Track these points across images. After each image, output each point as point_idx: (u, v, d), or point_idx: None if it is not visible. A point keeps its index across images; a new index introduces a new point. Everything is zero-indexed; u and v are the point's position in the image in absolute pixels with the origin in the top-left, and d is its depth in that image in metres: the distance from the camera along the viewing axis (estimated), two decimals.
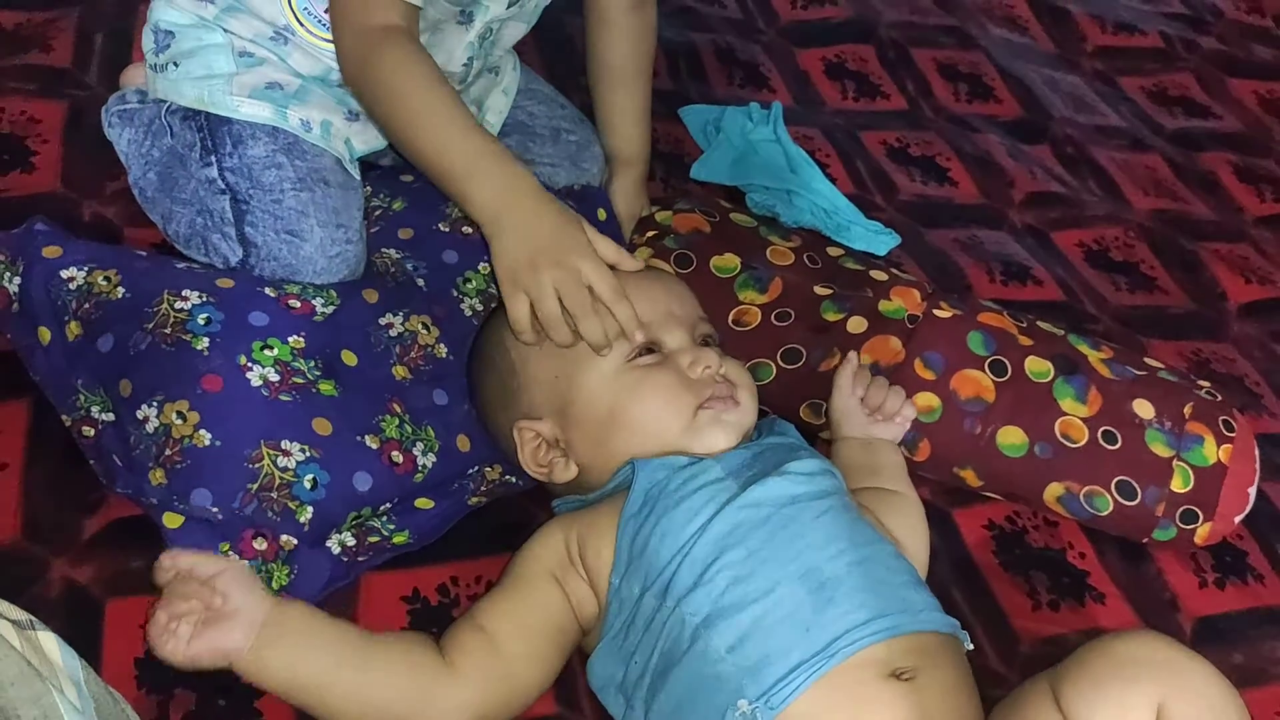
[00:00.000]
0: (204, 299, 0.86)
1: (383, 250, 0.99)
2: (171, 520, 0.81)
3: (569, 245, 0.84)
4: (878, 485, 0.90)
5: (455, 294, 0.98)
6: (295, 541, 0.81)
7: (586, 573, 0.78)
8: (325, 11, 0.94)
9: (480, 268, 0.99)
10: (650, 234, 1.11)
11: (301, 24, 0.95)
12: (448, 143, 0.86)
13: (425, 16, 0.94)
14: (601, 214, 1.09)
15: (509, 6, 0.99)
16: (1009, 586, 0.96)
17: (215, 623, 0.69)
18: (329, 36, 0.94)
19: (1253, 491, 1.00)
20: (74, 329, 0.86)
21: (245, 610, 0.70)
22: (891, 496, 0.90)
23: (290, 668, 0.71)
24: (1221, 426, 1.00)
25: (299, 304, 0.89)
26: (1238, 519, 1.00)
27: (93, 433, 0.85)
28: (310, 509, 0.81)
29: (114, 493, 0.84)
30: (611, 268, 0.86)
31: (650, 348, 0.85)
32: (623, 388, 0.82)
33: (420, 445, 0.87)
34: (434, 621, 0.82)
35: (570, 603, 0.77)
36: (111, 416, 0.84)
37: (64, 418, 0.86)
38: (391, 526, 0.86)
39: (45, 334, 0.87)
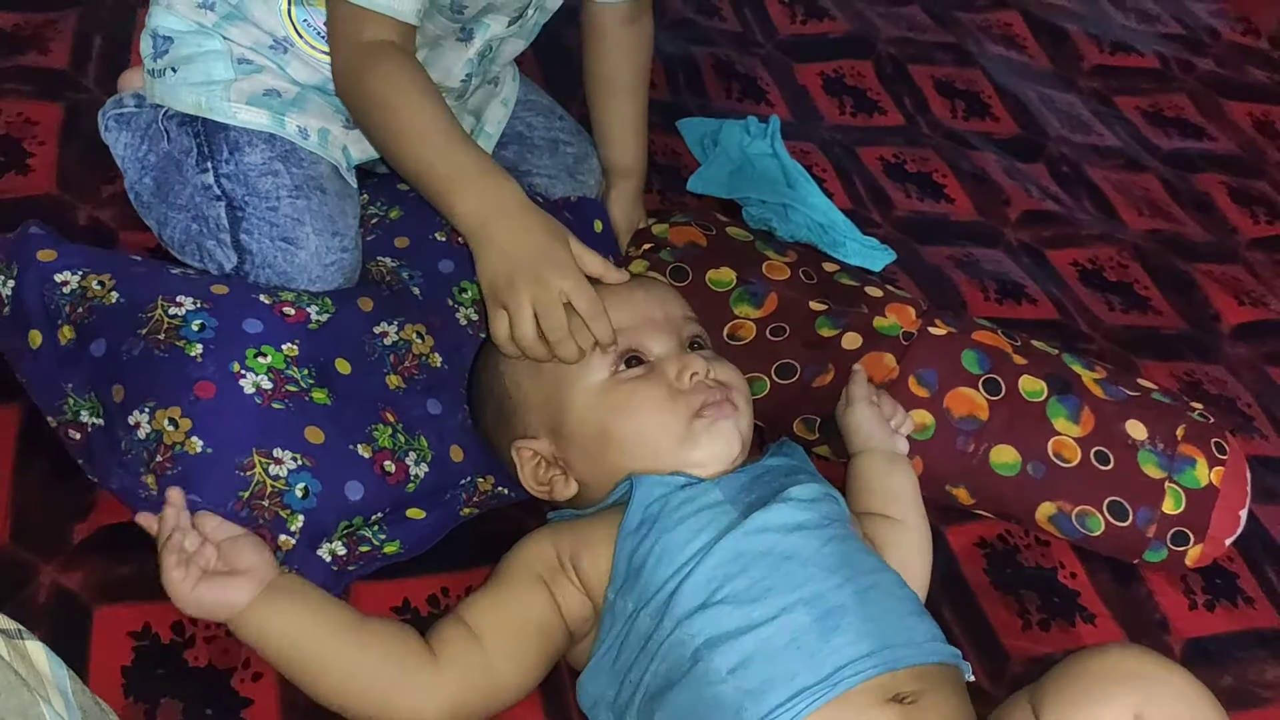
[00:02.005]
0: (198, 305, 0.86)
1: (378, 258, 0.98)
2: None
3: (551, 262, 0.83)
4: (887, 514, 0.89)
5: (450, 303, 0.98)
6: (293, 541, 0.81)
7: (582, 582, 0.77)
8: (325, 24, 0.94)
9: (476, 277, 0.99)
10: (646, 246, 1.11)
11: (301, 36, 0.95)
12: (434, 156, 0.86)
13: (424, 33, 0.94)
14: (598, 225, 1.09)
15: (509, 25, 0.99)
16: (999, 605, 0.97)
17: (224, 575, 0.73)
18: (327, 49, 0.94)
19: (1244, 514, 1.00)
20: (67, 333, 0.86)
21: (255, 570, 0.74)
22: (897, 528, 0.88)
23: (286, 628, 0.73)
24: (1214, 449, 1.00)
25: (293, 311, 0.88)
26: (1228, 541, 1.00)
27: (79, 436, 0.85)
28: (301, 517, 0.81)
29: (108, 488, 0.83)
30: (597, 281, 0.85)
31: (636, 358, 0.84)
32: (612, 405, 0.82)
33: (413, 455, 0.87)
34: (424, 632, 0.82)
35: (558, 606, 0.77)
36: (100, 421, 0.84)
37: (49, 419, 0.86)
38: (383, 536, 0.86)
39: (36, 337, 0.86)
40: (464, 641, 0.75)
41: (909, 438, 0.96)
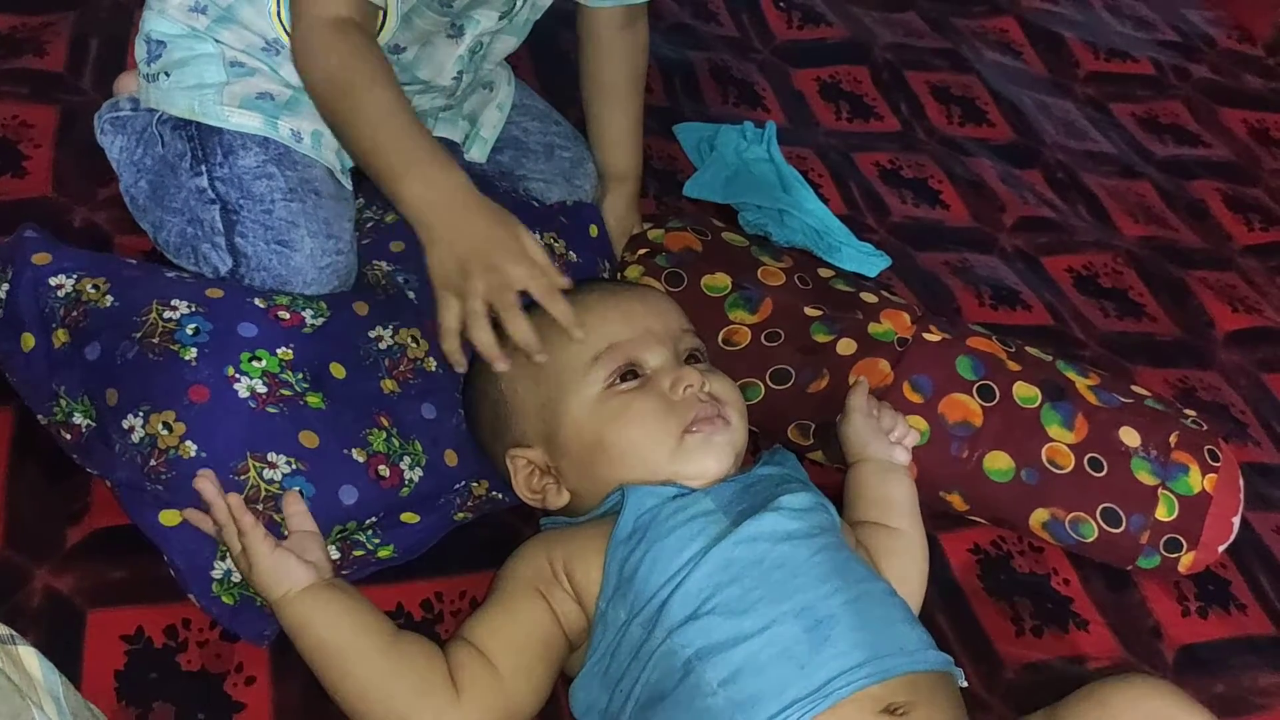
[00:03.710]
0: (193, 309, 0.86)
1: (374, 262, 0.99)
2: (169, 518, 0.80)
3: (503, 250, 0.83)
4: (884, 522, 0.89)
5: None
6: None
7: (575, 591, 0.77)
8: None
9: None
10: (642, 251, 1.11)
11: (291, 37, 0.95)
12: (384, 141, 0.85)
13: (414, 29, 0.94)
14: (593, 230, 1.09)
15: (499, 19, 0.99)
16: (993, 611, 0.97)
17: (295, 555, 0.75)
18: None
19: (1236, 521, 1.01)
20: (61, 336, 0.86)
21: (318, 564, 0.76)
22: (895, 536, 0.88)
23: (329, 622, 0.74)
24: (1207, 456, 1.01)
25: (288, 315, 0.88)
26: (1221, 548, 1.01)
27: (70, 436, 0.85)
28: None
29: (111, 479, 0.82)
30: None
31: (633, 371, 0.84)
32: (606, 416, 0.82)
33: (407, 459, 0.87)
34: None
35: (556, 617, 0.77)
36: (93, 423, 0.84)
37: (39, 417, 0.86)
38: (377, 540, 0.86)
39: (29, 340, 0.86)
40: (478, 667, 0.74)
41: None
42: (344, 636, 0.74)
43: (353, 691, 0.73)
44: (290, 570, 0.75)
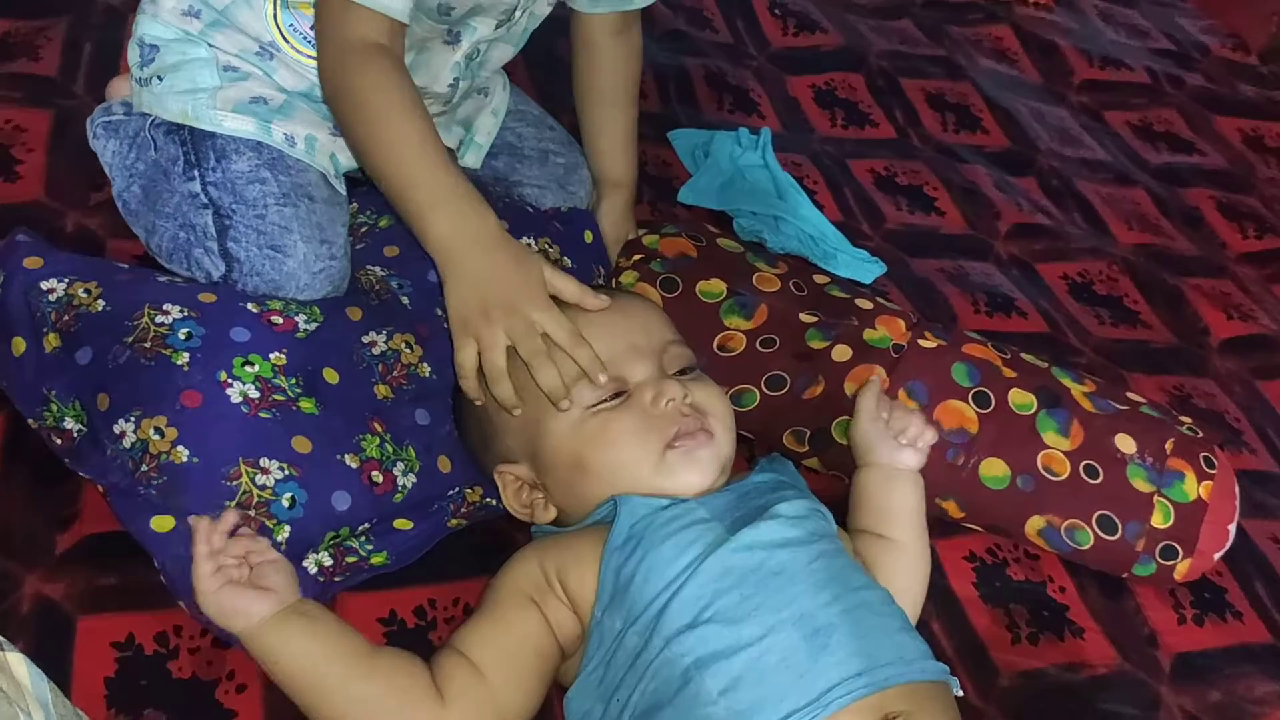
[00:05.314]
0: (185, 313, 0.85)
1: (367, 267, 0.98)
2: (160, 524, 0.80)
3: (524, 292, 0.83)
4: (884, 533, 0.87)
5: (439, 313, 0.97)
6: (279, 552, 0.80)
7: (570, 599, 0.77)
8: (311, 29, 0.93)
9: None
10: (637, 257, 1.11)
11: (287, 40, 0.95)
12: (416, 175, 0.85)
13: (411, 35, 0.93)
14: (588, 236, 1.09)
15: (497, 28, 0.99)
16: (988, 619, 0.96)
17: (249, 588, 0.73)
18: (314, 54, 0.94)
19: (1232, 528, 1.00)
20: (52, 341, 0.85)
21: (278, 591, 0.73)
22: (893, 548, 0.86)
23: (296, 650, 0.72)
24: (1202, 463, 1.01)
25: (281, 320, 0.88)
26: (1217, 556, 1.00)
27: (61, 441, 0.84)
28: (288, 528, 0.81)
29: (104, 483, 0.81)
30: (576, 306, 0.84)
31: (617, 391, 0.82)
32: (587, 436, 0.81)
33: (400, 465, 0.87)
34: (410, 644, 0.81)
35: (550, 626, 0.77)
36: (84, 429, 0.84)
37: (31, 422, 0.86)
38: (370, 547, 0.85)
39: (20, 344, 0.86)
40: (467, 677, 0.73)
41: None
42: (313, 666, 0.72)
43: (333, 718, 0.72)
44: (244, 605, 0.72)
